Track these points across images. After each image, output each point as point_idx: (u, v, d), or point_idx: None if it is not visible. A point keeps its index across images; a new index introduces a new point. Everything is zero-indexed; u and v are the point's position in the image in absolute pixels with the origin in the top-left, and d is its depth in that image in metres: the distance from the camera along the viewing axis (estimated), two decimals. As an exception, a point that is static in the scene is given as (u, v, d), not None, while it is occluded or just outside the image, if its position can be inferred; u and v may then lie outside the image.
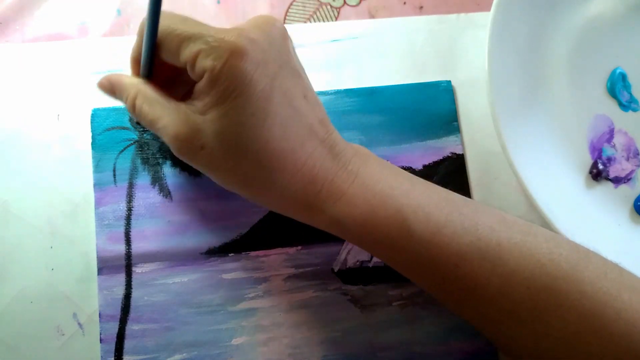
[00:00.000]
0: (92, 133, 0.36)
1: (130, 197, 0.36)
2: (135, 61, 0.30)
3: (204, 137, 0.26)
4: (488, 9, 0.36)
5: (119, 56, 0.37)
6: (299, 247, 0.36)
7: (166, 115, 0.27)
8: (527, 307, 0.26)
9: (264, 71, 0.26)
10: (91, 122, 0.36)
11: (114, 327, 0.34)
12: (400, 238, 0.27)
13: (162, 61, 0.28)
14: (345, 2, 0.41)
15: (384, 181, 0.28)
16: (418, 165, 0.38)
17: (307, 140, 0.28)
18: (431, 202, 0.28)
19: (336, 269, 0.36)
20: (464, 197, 0.30)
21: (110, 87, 0.30)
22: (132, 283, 0.34)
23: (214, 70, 0.25)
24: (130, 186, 0.36)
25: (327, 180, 0.28)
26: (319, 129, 0.28)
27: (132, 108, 0.29)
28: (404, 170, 0.31)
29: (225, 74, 0.25)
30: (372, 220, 0.27)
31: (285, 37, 0.28)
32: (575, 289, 0.26)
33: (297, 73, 0.28)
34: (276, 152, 0.27)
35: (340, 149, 0.29)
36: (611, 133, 0.39)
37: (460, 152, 0.38)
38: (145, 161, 0.36)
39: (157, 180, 0.36)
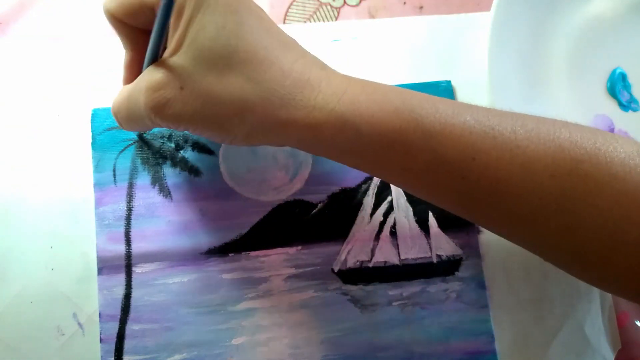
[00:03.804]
0: (92, 133, 0.36)
1: (130, 197, 0.36)
2: (128, 67, 0.31)
3: (181, 75, 0.26)
4: (488, 9, 0.36)
5: (119, 56, 0.37)
6: (299, 247, 0.36)
7: (139, 79, 0.27)
8: (554, 197, 0.25)
9: None
10: (91, 122, 0.36)
11: (114, 327, 0.34)
12: (410, 131, 0.26)
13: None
14: (345, 2, 0.41)
15: (379, 83, 0.28)
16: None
17: (287, 51, 0.27)
18: (435, 98, 0.27)
19: (336, 269, 0.36)
20: None
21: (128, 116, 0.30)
22: (132, 283, 0.34)
23: None
24: (130, 186, 0.36)
25: (324, 81, 0.26)
26: (295, 44, 0.28)
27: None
28: None
29: None
30: (379, 115, 0.26)
31: None
32: (604, 171, 0.24)
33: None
34: (260, 61, 0.26)
35: (324, 63, 0.28)
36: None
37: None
38: (145, 161, 0.36)
39: (157, 180, 0.36)
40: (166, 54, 0.26)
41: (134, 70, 0.30)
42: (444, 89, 0.39)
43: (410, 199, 0.37)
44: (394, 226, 0.37)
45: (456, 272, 0.36)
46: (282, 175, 0.37)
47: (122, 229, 0.35)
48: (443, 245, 0.36)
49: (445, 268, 0.36)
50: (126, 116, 0.29)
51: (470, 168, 0.25)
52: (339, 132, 0.26)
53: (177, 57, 0.26)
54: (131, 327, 0.34)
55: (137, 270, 0.35)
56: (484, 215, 0.28)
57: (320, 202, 0.36)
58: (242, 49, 0.25)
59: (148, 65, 0.27)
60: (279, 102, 0.26)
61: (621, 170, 0.24)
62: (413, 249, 0.36)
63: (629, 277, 0.25)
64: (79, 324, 0.34)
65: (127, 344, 0.34)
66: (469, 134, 0.25)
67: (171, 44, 0.26)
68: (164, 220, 0.35)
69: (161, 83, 0.26)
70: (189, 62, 0.26)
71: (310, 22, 0.40)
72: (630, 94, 0.40)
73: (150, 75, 0.26)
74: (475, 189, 0.26)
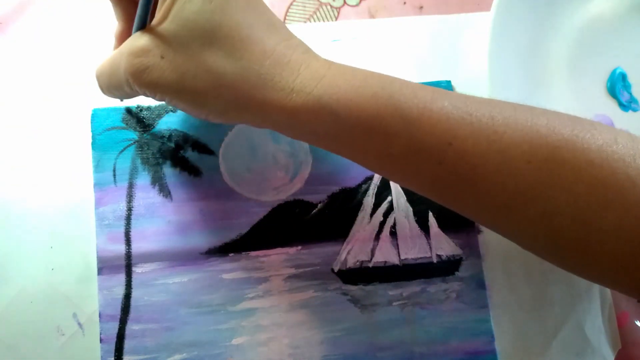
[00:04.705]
0: (92, 133, 0.36)
1: (130, 197, 0.36)
2: (119, 37, 0.32)
3: (163, 45, 0.26)
4: (488, 9, 0.36)
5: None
6: (299, 247, 0.36)
7: (124, 45, 0.28)
8: (531, 184, 0.25)
9: None
10: (91, 122, 0.36)
11: (114, 327, 0.34)
12: (388, 117, 0.26)
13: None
14: (345, 2, 0.41)
15: (360, 69, 0.28)
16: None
17: (272, 32, 0.27)
18: (414, 84, 0.27)
19: (336, 269, 0.36)
20: None
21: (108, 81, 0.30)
22: (132, 283, 0.34)
23: None
24: (130, 186, 0.36)
25: (304, 64, 0.27)
26: (281, 25, 0.28)
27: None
28: None
29: None
30: (357, 99, 0.26)
31: None
32: (581, 157, 0.24)
33: None
34: (242, 38, 0.26)
35: (309, 47, 0.28)
36: (611, 133, 0.39)
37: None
38: (145, 161, 0.36)
39: (157, 180, 0.36)
40: (153, 23, 0.27)
41: (124, 41, 0.30)
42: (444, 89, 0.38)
43: (410, 199, 0.37)
44: (394, 226, 0.37)
45: (456, 272, 0.36)
46: (282, 175, 0.37)
47: (122, 229, 0.35)
48: (443, 245, 0.36)
49: (445, 268, 0.36)
50: (107, 80, 0.29)
51: (447, 154, 0.25)
52: (316, 116, 0.26)
53: (162, 27, 0.26)
54: (131, 327, 0.34)
55: (137, 270, 0.35)
56: (460, 202, 0.28)
57: (320, 202, 0.36)
58: (226, 25, 0.26)
59: (135, 32, 0.28)
60: (255, 81, 0.26)
61: (598, 157, 0.24)
62: (413, 249, 0.36)
63: (606, 263, 0.25)
64: (79, 324, 0.34)
65: (127, 344, 0.34)
66: (446, 119, 0.25)
67: (159, 14, 0.27)
68: (164, 220, 0.35)
69: (143, 50, 0.26)
70: (172, 32, 0.26)
71: (310, 22, 0.40)
72: (630, 94, 0.40)
73: (134, 41, 0.27)
74: (452, 174, 0.26)
